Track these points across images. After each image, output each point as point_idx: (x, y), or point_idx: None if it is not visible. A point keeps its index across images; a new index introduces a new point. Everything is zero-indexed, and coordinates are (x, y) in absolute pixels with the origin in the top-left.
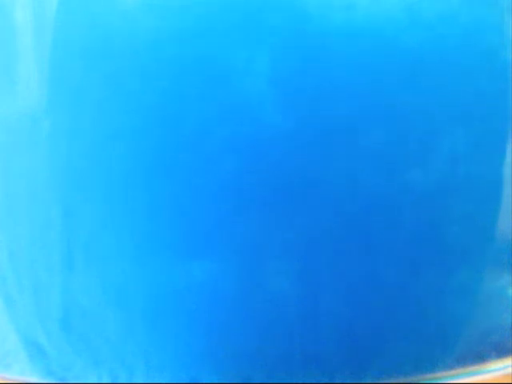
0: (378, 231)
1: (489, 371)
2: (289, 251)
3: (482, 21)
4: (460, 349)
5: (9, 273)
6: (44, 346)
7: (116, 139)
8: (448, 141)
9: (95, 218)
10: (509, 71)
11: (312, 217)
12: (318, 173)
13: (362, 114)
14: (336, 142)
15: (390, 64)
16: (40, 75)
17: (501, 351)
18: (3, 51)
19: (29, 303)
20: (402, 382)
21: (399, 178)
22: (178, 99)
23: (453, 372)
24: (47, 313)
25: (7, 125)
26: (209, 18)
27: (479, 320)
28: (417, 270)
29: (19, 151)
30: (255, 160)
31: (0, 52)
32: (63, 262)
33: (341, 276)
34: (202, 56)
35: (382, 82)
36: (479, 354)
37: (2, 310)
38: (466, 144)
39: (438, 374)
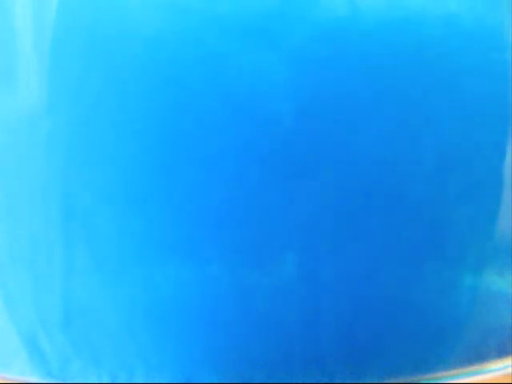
0: (378, 232)
1: (489, 371)
2: (288, 251)
3: (482, 21)
4: (460, 349)
5: (9, 273)
6: (44, 346)
7: (116, 139)
8: (447, 140)
9: (96, 219)
10: (509, 71)
11: (311, 217)
12: (320, 173)
13: (366, 109)
14: (339, 136)
15: (396, 62)
16: (40, 75)
17: (501, 351)
18: (3, 51)
19: (29, 303)
20: (401, 382)
21: (399, 177)
22: (178, 98)
23: (453, 372)
24: (47, 313)
25: (7, 125)
26: (212, 18)
27: (479, 320)
28: (417, 270)
29: (19, 151)
30: (257, 160)
31: (0, 52)
32: (63, 262)
33: (341, 276)
34: (205, 56)
35: (386, 81)
36: (479, 354)
37: (2, 309)
38: (466, 144)
39: (438, 374)
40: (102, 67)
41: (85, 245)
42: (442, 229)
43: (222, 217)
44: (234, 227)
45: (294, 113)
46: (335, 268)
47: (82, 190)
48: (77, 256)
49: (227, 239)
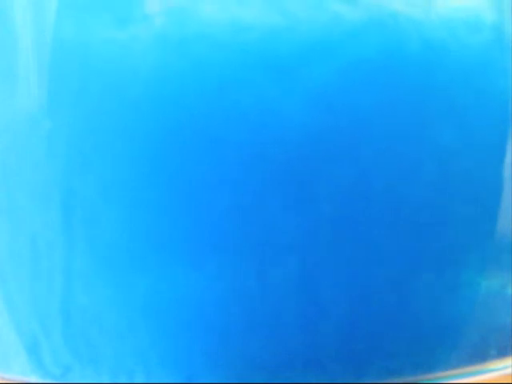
0: (378, 233)
1: (489, 371)
2: (290, 254)
3: (482, 24)
4: (460, 349)
5: (9, 273)
6: (44, 346)
7: (117, 140)
8: (447, 141)
9: (96, 220)
10: (509, 74)
11: (312, 220)
12: (323, 181)
13: (371, 131)
14: (345, 148)
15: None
16: (40, 75)
17: (501, 351)
18: (3, 51)
19: (29, 304)
20: (402, 381)
21: (400, 180)
22: (180, 106)
23: (453, 372)
24: (47, 314)
25: (7, 125)
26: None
27: (479, 320)
28: (417, 270)
29: (19, 151)
30: (261, 170)
31: (0, 52)
32: (63, 265)
33: (341, 276)
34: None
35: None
36: (479, 354)
37: (2, 310)
38: (466, 144)
39: (438, 374)
40: (102, 68)
41: (85, 247)
42: (442, 230)
43: (224, 220)
44: (234, 230)
45: (302, 133)
46: (335, 268)
47: (82, 191)
48: (77, 259)
49: (228, 241)
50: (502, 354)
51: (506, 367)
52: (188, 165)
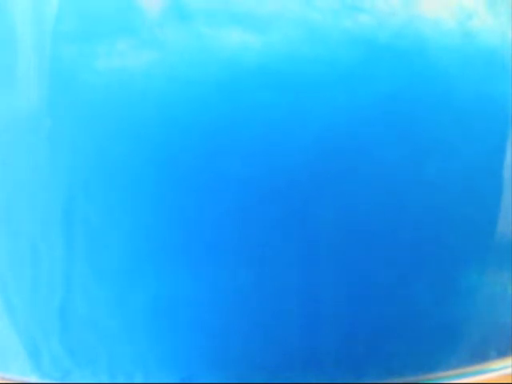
0: (380, 232)
1: (489, 371)
2: (289, 253)
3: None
4: (460, 349)
5: (9, 276)
6: (43, 351)
7: (119, 145)
8: (447, 142)
9: (97, 221)
10: (509, 75)
11: (313, 225)
12: (327, 195)
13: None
14: (350, 170)
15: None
16: (40, 75)
17: (501, 351)
18: (3, 51)
19: (29, 309)
20: (402, 381)
21: (401, 179)
22: (185, 121)
23: (453, 372)
24: (46, 319)
25: (8, 124)
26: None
27: (479, 320)
28: (418, 270)
29: (20, 151)
30: (264, 181)
31: (0, 52)
32: (63, 267)
33: (342, 276)
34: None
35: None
36: (479, 354)
37: (2, 315)
38: (466, 145)
39: (439, 374)
40: (106, 91)
41: (85, 250)
42: (443, 231)
43: (223, 224)
44: (233, 234)
45: (310, 155)
46: (335, 268)
47: (83, 190)
48: (76, 263)
49: (226, 244)
50: (502, 354)
51: (506, 367)
52: (190, 176)
